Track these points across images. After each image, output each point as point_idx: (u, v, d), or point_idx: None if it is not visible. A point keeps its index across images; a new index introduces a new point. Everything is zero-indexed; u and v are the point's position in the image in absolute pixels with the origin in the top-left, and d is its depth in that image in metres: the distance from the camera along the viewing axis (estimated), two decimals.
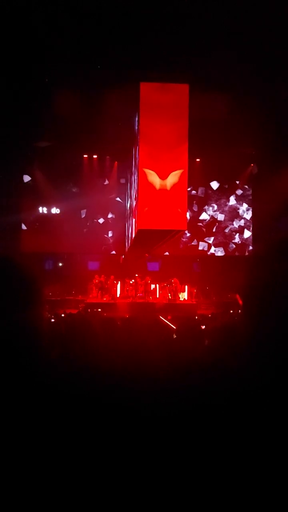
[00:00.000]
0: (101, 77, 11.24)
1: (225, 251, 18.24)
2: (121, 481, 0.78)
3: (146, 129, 10.84)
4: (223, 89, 11.92)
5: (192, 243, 18.31)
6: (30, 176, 17.44)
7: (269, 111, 12.08)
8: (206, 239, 18.31)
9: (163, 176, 10.73)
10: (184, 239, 18.15)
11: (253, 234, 18.23)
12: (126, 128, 13.71)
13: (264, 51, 9.73)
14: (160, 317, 7.43)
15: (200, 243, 18.34)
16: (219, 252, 18.19)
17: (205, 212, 18.38)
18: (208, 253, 18.27)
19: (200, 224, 18.34)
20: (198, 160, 17.11)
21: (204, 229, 18.33)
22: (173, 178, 10.76)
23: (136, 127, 11.82)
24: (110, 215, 18.09)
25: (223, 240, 18.33)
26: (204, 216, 18.41)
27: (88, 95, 12.35)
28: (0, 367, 0.80)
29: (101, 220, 18.13)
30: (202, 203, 18.37)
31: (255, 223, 18.08)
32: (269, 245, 0.88)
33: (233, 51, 9.82)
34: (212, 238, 18.29)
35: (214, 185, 18.18)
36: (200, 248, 18.33)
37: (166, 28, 9.19)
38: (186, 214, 11.19)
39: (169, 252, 17.89)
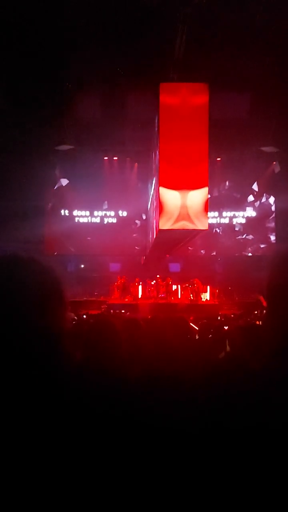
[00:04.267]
0: (121, 79, 11.31)
1: (252, 251, 18.05)
2: (146, 483, 0.77)
3: (166, 135, 10.76)
4: (243, 87, 11.78)
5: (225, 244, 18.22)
6: (53, 179, 17.68)
7: None
8: (239, 237, 18.16)
9: (183, 194, 10.70)
10: (223, 241, 18.09)
11: (276, 234, 17.93)
12: (146, 130, 13.73)
13: (284, 47, 9.57)
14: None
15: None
16: (263, 244, 17.96)
17: (234, 211, 18.26)
18: (244, 252, 18.10)
19: (234, 223, 18.22)
20: (218, 159, 16.95)
21: (238, 228, 18.21)
22: (194, 195, 10.72)
23: (156, 129, 11.82)
24: (144, 216, 18.11)
25: (258, 238, 18.16)
26: (234, 215, 18.29)
27: (108, 98, 12.44)
28: (25, 368, 0.81)
29: (133, 221, 18.19)
30: (226, 203, 18.19)
31: (279, 222, 17.77)
32: None
33: (252, 49, 9.70)
34: (245, 235, 18.18)
35: (255, 187, 17.99)
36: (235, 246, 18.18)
37: (185, 28, 9.16)
38: (207, 214, 11.11)
39: (204, 251, 17.89)
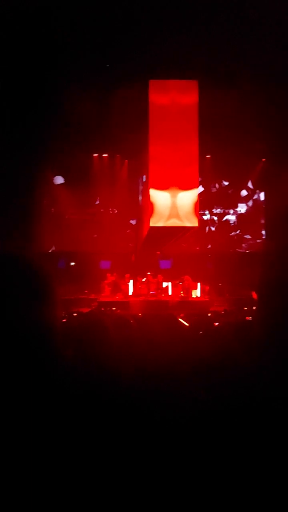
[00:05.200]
0: (110, 76, 11.25)
1: (247, 248, 18.16)
2: (128, 481, 0.78)
3: (156, 136, 10.76)
4: (232, 84, 11.80)
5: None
6: (43, 176, 17.53)
7: (280, 105, 11.91)
8: (233, 233, 18.27)
9: (174, 194, 10.73)
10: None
11: (266, 231, 18.07)
12: (135, 127, 13.69)
13: (273, 44, 9.61)
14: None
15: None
16: (258, 240, 18.07)
17: (227, 208, 18.33)
18: (239, 249, 18.21)
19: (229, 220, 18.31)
20: (208, 156, 16.99)
21: (231, 224, 18.31)
22: (184, 196, 10.76)
23: (146, 127, 11.79)
24: (135, 213, 18.06)
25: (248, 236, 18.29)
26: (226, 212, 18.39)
27: (97, 94, 12.38)
28: (16, 366, 0.80)
29: (125, 217, 18.14)
30: (218, 199, 18.26)
31: (268, 219, 17.90)
32: (283, 242, 0.87)
33: (241, 46, 9.73)
34: (238, 231, 18.30)
35: (249, 183, 18.08)
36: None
37: (174, 25, 9.14)
38: (197, 213, 11.18)
39: (199, 248, 18.00)
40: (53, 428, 0.78)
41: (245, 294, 12.89)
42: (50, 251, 17.53)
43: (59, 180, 17.67)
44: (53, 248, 17.72)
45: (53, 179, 17.66)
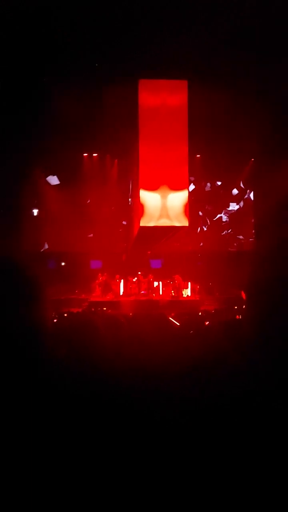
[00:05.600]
0: (100, 75, 11.21)
1: (238, 247, 18.26)
2: (122, 480, 0.78)
3: (145, 137, 10.75)
4: (222, 83, 11.84)
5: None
6: (31, 176, 17.39)
7: (269, 105, 12.00)
8: (224, 232, 18.34)
9: (164, 195, 10.74)
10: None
11: (255, 230, 18.19)
12: (125, 126, 13.67)
13: (263, 43, 9.68)
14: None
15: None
16: (250, 239, 18.16)
17: (219, 207, 18.40)
18: (231, 248, 18.27)
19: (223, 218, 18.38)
20: (198, 156, 17.04)
21: (223, 224, 18.37)
22: (174, 197, 10.77)
23: (136, 127, 11.78)
24: (126, 212, 18.03)
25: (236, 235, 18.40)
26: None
27: (87, 94, 12.32)
28: (6, 367, 0.80)
29: (115, 217, 18.09)
30: (209, 199, 18.32)
31: (257, 219, 18.02)
32: (271, 242, 0.88)
33: (231, 45, 9.77)
34: (230, 230, 18.39)
35: (241, 184, 18.20)
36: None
37: (164, 24, 9.15)
38: (187, 214, 11.20)
39: (190, 247, 18.04)
40: (45, 427, 0.78)
41: (235, 293, 12.97)
42: (41, 250, 17.42)
43: (54, 181, 17.55)
44: (46, 247, 17.61)
45: (45, 179, 17.54)
